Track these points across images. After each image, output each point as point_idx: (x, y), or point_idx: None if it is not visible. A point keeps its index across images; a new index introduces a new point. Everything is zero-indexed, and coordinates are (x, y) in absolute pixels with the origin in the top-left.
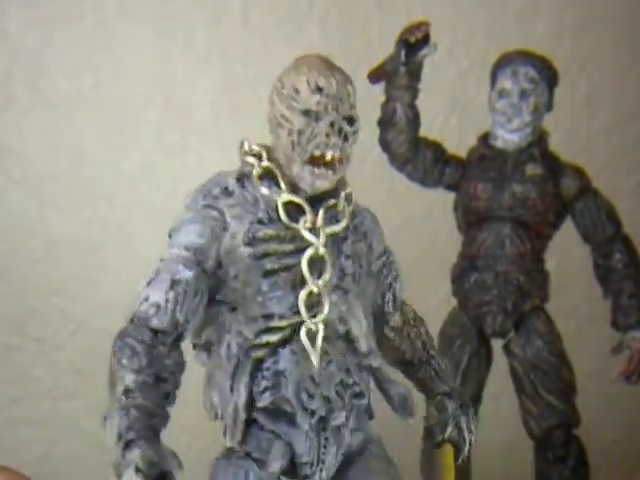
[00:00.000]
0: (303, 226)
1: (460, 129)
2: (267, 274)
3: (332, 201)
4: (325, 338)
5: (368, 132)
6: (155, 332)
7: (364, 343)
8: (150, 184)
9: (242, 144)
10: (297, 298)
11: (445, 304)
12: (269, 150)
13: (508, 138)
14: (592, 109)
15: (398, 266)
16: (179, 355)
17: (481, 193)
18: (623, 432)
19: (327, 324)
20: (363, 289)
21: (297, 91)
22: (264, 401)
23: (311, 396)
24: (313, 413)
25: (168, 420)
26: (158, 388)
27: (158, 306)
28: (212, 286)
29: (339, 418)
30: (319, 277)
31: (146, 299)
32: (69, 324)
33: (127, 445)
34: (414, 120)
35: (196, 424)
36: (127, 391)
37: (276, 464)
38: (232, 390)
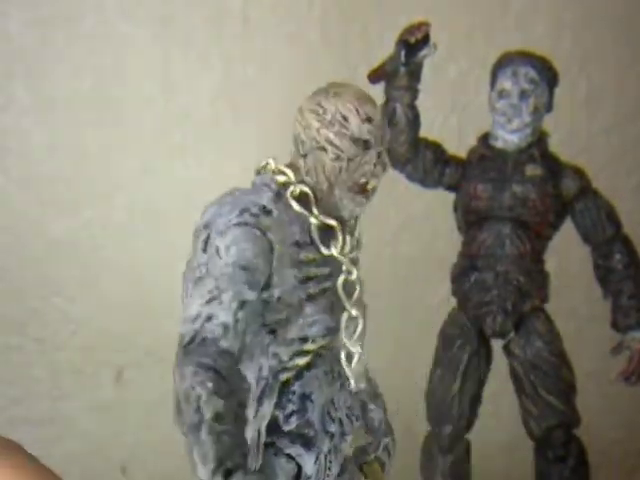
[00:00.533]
0: (337, 251)
1: (460, 129)
2: (310, 297)
3: (354, 228)
4: (336, 361)
5: None
6: (225, 354)
7: (358, 364)
8: (150, 184)
9: (267, 164)
10: (332, 321)
11: (445, 304)
12: (296, 171)
13: (508, 138)
14: (592, 109)
15: None
16: (241, 379)
17: (481, 193)
18: (623, 432)
19: (337, 345)
20: (364, 311)
21: (346, 119)
22: (290, 425)
23: (332, 419)
24: (333, 436)
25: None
26: (243, 415)
27: (226, 327)
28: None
29: (347, 440)
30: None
31: (209, 318)
32: (69, 324)
33: (228, 474)
34: (414, 120)
35: None
36: (218, 417)
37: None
38: (257, 413)
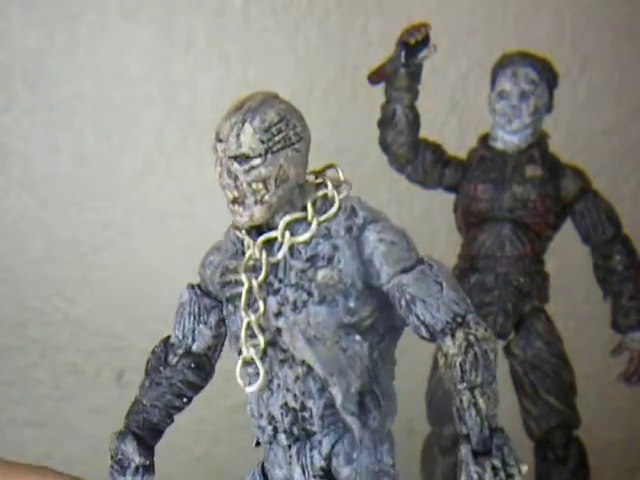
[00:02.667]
0: (246, 261)
1: (460, 130)
2: (227, 300)
3: (272, 234)
4: (283, 361)
5: (368, 133)
6: (170, 345)
7: (318, 370)
8: (150, 184)
9: None
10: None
11: None
12: None
13: (508, 139)
14: (592, 110)
15: (419, 286)
16: (185, 365)
17: (481, 194)
18: (623, 433)
19: (286, 348)
20: (306, 318)
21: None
22: (248, 412)
23: (260, 415)
24: (263, 431)
25: (163, 418)
26: (152, 390)
27: (173, 325)
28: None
29: (280, 439)
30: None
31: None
32: (69, 325)
33: (119, 434)
34: (414, 121)
35: (196, 428)
36: (139, 391)
37: (277, 472)
38: None
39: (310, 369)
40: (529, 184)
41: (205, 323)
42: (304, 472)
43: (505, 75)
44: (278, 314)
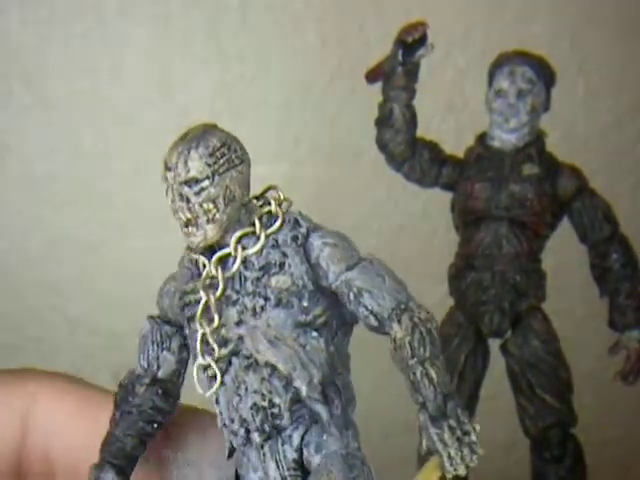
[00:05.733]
0: (203, 279)
1: (457, 129)
2: (188, 320)
3: (224, 251)
4: (248, 367)
5: (365, 132)
6: (136, 376)
7: (281, 368)
8: (148, 184)
9: None
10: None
11: (442, 304)
12: None
13: (505, 138)
14: (590, 109)
15: (364, 279)
16: (153, 392)
17: (478, 193)
18: (620, 431)
19: (249, 355)
20: (266, 320)
21: None
22: (220, 424)
23: (232, 420)
24: (236, 434)
25: (136, 445)
26: (123, 420)
27: (138, 356)
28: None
29: (254, 438)
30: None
31: None
32: (67, 324)
33: (97, 466)
34: (411, 120)
35: None
36: (110, 421)
37: (251, 476)
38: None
39: (274, 369)
40: (526, 182)
41: (168, 349)
42: (278, 467)
43: (502, 74)
44: (239, 322)
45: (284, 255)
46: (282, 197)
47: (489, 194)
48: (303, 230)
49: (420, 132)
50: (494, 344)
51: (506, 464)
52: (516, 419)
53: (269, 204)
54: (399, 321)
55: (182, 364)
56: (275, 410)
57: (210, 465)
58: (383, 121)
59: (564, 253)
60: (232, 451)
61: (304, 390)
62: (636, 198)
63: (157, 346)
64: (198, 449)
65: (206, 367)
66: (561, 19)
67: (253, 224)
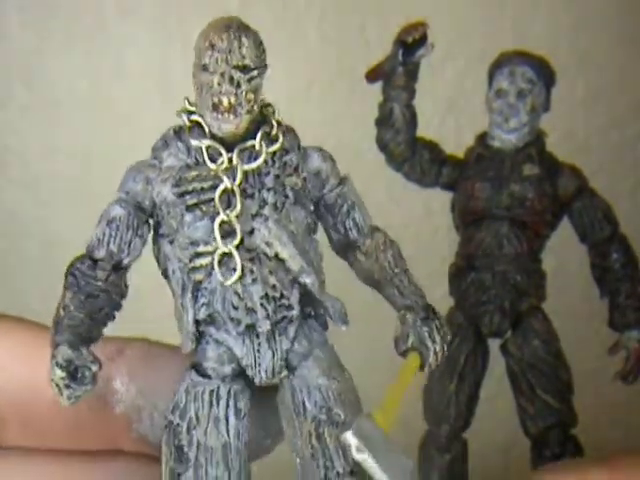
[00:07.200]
0: (218, 166)
1: (457, 129)
2: (189, 208)
3: (249, 143)
4: (252, 259)
5: (365, 132)
6: (95, 261)
7: (293, 263)
8: None
9: (184, 101)
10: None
11: (442, 304)
12: (196, 105)
13: (505, 138)
14: (590, 109)
15: (356, 195)
16: (117, 278)
17: (479, 192)
18: (620, 431)
19: (254, 248)
20: (287, 216)
21: (199, 49)
22: (202, 315)
23: (235, 308)
24: (239, 322)
25: (99, 330)
26: (88, 303)
27: (98, 240)
28: (156, 223)
29: (264, 326)
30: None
31: (92, 236)
32: None
33: (56, 347)
34: (411, 120)
35: None
36: (64, 307)
37: (225, 368)
38: (182, 307)
39: (279, 263)
40: (526, 182)
41: (141, 236)
42: (274, 356)
43: (502, 74)
44: (256, 215)
45: (298, 159)
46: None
47: (489, 194)
48: (299, 141)
49: (420, 132)
50: (494, 344)
51: (506, 464)
52: (516, 419)
53: (273, 111)
54: (376, 236)
55: (141, 253)
56: (285, 302)
57: (162, 393)
58: (383, 121)
59: (564, 253)
60: (196, 346)
61: (316, 285)
62: (636, 198)
63: (132, 231)
64: (150, 379)
65: (222, 255)
66: (561, 19)
67: (269, 124)
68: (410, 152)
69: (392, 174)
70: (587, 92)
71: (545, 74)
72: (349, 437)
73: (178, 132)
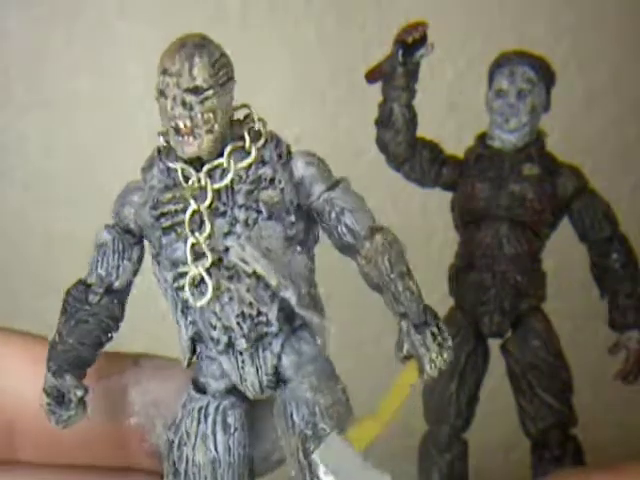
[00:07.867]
0: (189, 187)
1: (457, 129)
2: (164, 230)
3: (216, 161)
4: (231, 277)
5: (365, 132)
6: (88, 286)
7: (269, 278)
8: None
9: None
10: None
11: (442, 304)
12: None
13: (505, 138)
14: (590, 109)
15: (345, 199)
16: (110, 302)
17: (479, 193)
18: (620, 432)
19: (232, 266)
20: (259, 232)
21: (158, 75)
22: (190, 332)
23: (214, 327)
24: (218, 341)
25: (92, 353)
26: (78, 329)
27: (90, 265)
28: (148, 243)
29: (240, 345)
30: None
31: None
32: None
33: (47, 372)
34: (411, 120)
35: None
36: (58, 333)
37: (218, 383)
38: (177, 324)
39: (258, 280)
40: (526, 182)
41: (129, 259)
42: (258, 372)
43: (502, 74)
44: (228, 233)
45: (274, 171)
46: (258, 117)
47: (489, 194)
48: (284, 148)
49: (420, 132)
50: (494, 344)
51: (506, 464)
52: (516, 420)
53: (252, 122)
54: (375, 238)
55: (135, 275)
56: (262, 318)
57: (171, 403)
58: (383, 121)
59: (564, 253)
60: (190, 363)
61: (294, 299)
62: (636, 198)
63: (118, 255)
64: (163, 390)
65: (194, 277)
66: (561, 19)
67: (241, 139)
68: (410, 152)
69: (391, 174)
70: (587, 92)
71: (545, 74)
72: (316, 458)
73: (160, 152)
